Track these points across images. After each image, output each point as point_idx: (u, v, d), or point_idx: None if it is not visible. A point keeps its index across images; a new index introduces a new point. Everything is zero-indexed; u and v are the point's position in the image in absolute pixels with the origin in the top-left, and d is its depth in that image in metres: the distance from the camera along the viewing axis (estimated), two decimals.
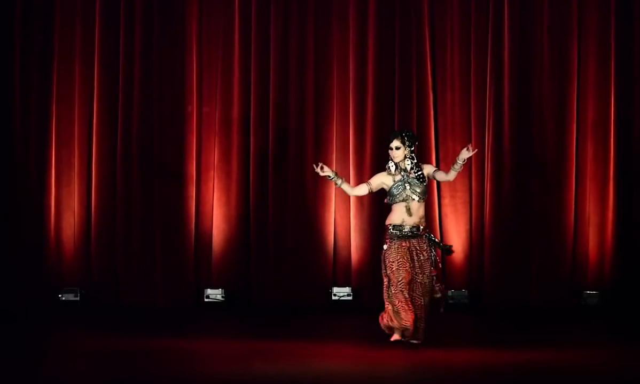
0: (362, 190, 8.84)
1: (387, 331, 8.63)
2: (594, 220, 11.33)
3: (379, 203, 11.27)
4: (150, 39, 11.50)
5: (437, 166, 11.42)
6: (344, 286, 11.41)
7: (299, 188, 11.46)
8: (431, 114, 11.44)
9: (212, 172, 11.57)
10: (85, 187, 11.58)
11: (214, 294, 11.44)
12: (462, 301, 11.34)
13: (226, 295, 11.43)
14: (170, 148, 11.50)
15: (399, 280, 8.52)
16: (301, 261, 11.39)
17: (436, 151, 11.47)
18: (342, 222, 11.46)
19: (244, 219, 11.50)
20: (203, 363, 7.96)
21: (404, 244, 8.60)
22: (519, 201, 11.32)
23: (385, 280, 8.62)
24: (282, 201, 11.45)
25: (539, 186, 11.33)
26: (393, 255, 8.57)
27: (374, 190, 8.80)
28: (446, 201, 11.46)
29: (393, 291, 8.53)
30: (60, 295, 11.43)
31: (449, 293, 8.81)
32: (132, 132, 11.47)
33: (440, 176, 8.81)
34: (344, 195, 11.25)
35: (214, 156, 11.55)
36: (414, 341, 8.57)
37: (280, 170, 11.45)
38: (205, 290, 11.47)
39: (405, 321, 8.47)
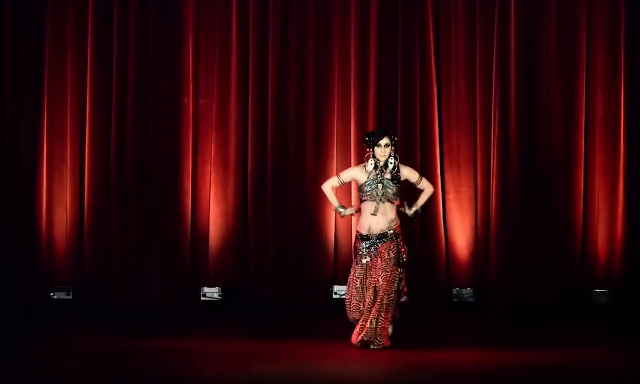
0: (333, 183, 8.99)
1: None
2: (603, 216, 11.37)
3: None
4: (145, 30, 11.52)
5: (441, 161, 11.49)
6: (345, 284, 11.45)
7: (298, 183, 11.50)
8: (435, 107, 11.48)
9: (209, 166, 11.62)
10: (77, 182, 11.61)
11: (211, 292, 11.51)
12: (466, 299, 11.41)
13: (223, 293, 11.49)
14: (166, 142, 11.54)
15: (350, 296, 8.82)
16: (301, 258, 11.43)
17: (440, 145, 11.51)
18: (342, 218, 11.49)
19: (241, 215, 11.55)
20: (201, 363, 8.04)
21: (363, 260, 8.77)
22: (525, 196, 11.36)
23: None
24: (281, 196, 11.49)
25: (546, 181, 11.37)
26: (354, 274, 8.82)
27: (344, 182, 9.00)
28: (450, 196, 11.52)
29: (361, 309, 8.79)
30: (52, 293, 11.48)
31: (405, 299, 8.92)
32: (127, 125, 11.52)
33: (422, 186, 9.01)
34: (345, 191, 11.30)
35: (211, 149, 11.61)
36: (374, 347, 8.69)
37: (279, 165, 11.49)
38: (202, 288, 11.53)
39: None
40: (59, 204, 11.59)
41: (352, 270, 8.86)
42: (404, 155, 11.27)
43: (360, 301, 8.73)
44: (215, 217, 11.58)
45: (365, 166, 8.80)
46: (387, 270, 8.66)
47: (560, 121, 11.40)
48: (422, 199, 8.94)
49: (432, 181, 11.41)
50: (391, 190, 8.75)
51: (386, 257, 8.69)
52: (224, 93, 11.58)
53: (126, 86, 11.53)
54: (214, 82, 11.59)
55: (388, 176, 8.76)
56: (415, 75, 11.47)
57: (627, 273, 11.33)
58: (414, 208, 8.85)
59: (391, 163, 8.78)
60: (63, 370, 7.88)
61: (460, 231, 11.51)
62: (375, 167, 8.75)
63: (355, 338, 8.67)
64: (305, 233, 11.45)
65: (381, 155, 8.75)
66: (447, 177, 11.53)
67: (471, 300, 11.43)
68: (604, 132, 11.39)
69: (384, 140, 8.75)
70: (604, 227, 11.36)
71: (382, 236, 8.74)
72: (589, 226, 11.39)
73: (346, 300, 8.86)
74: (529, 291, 11.30)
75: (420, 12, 11.48)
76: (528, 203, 11.37)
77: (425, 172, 11.40)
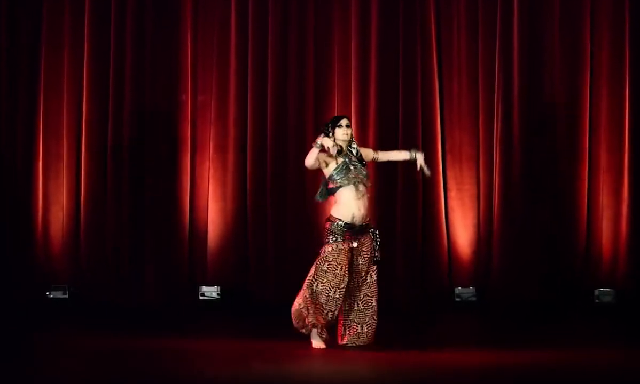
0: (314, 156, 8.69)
1: (297, 323, 8.67)
2: (607, 213, 11.39)
3: (383, 195, 11.41)
4: (142, 25, 11.54)
5: (443, 158, 11.50)
6: None
7: (298, 181, 11.51)
8: (437, 104, 11.50)
9: (208, 163, 11.63)
10: (74, 180, 11.62)
11: (210, 291, 11.52)
12: (469, 299, 11.43)
13: (222, 292, 11.51)
14: (164, 139, 11.56)
15: (341, 286, 8.57)
16: (301, 258, 11.41)
17: (442, 142, 11.53)
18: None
19: (241, 213, 11.57)
20: (200, 363, 8.06)
21: (347, 246, 8.59)
22: (528, 194, 11.38)
23: (313, 274, 8.62)
24: (281, 195, 11.51)
25: (550, 178, 11.39)
26: (340, 256, 8.57)
27: (317, 166, 8.69)
28: (453, 194, 11.53)
29: (331, 296, 8.53)
30: (48, 293, 11.50)
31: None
32: (124, 122, 11.53)
33: (387, 155, 8.87)
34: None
35: (209, 147, 11.62)
36: (361, 344, 8.69)
37: (279, 163, 11.51)
38: (200, 287, 11.55)
39: (315, 321, 8.57)
40: (55, 202, 11.60)
41: (325, 262, 8.61)
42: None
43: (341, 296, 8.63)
44: (214, 215, 11.59)
45: (328, 152, 8.64)
46: (370, 279, 8.67)
47: (564, 117, 11.42)
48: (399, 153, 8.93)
49: (434, 178, 11.46)
50: (364, 172, 8.68)
51: (368, 257, 8.68)
52: (223, 89, 11.59)
53: (123, 82, 11.54)
54: (212, 78, 11.61)
55: (354, 158, 8.69)
56: (416, 72, 11.48)
57: (632, 271, 11.34)
58: (417, 155, 8.78)
59: (354, 148, 8.72)
60: (60, 371, 7.90)
61: (462, 229, 11.52)
62: (339, 152, 8.62)
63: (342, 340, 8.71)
64: (305, 233, 11.45)
65: (344, 135, 8.66)
66: (449, 174, 11.55)
67: (473, 299, 11.44)
68: (608, 127, 11.42)
69: (344, 121, 8.71)
70: (609, 225, 11.39)
71: (364, 227, 8.67)
72: (593, 223, 11.42)
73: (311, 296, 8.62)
74: (532, 290, 11.32)
75: (422, 7, 11.50)
76: (531, 201, 11.39)
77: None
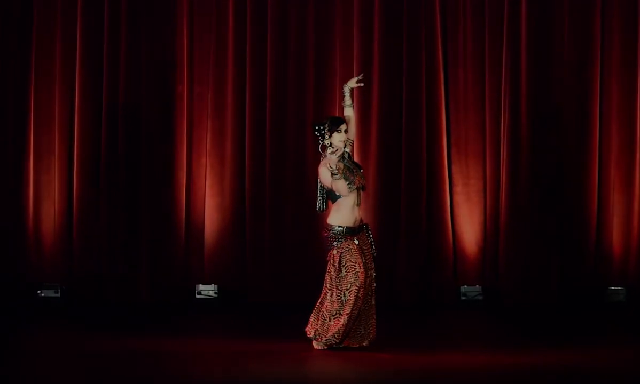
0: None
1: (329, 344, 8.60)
2: (618, 209, 11.39)
3: (386, 191, 11.38)
4: (137, 13, 11.53)
5: (449, 152, 11.47)
6: None
7: (298, 175, 11.49)
8: (442, 95, 11.48)
9: (205, 158, 11.61)
10: (66, 174, 11.61)
11: (206, 290, 11.52)
12: (475, 298, 11.41)
13: (220, 291, 11.49)
14: (159, 132, 11.53)
15: (365, 283, 8.48)
16: (301, 255, 11.42)
17: (447, 136, 11.51)
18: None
19: (239, 209, 11.55)
20: (195, 364, 8.06)
21: (353, 243, 8.54)
22: (537, 189, 11.37)
23: (333, 290, 8.54)
24: (279, 189, 11.50)
25: (559, 173, 11.36)
26: (354, 255, 8.50)
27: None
28: (458, 189, 11.50)
29: (360, 296, 8.46)
30: (39, 291, 11.48)
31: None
32: (118, 114, 11.51)
33: (352, 127, 8.73)
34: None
35: (206, 140, 11.60)
36: (365, 344, 8.65)
37: (278, 156, 11.49)
38: (196, 285, 11.53)
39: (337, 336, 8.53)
40: (47, 197, 11.58)
41: (341, 266, 8.55)
42: (408, 147, 11.33)
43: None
44: (211, 211, 11.57)
45: (328, 163, 8.57)
46: (370, 278, 8.61)
47: (573, 110, 11.41)
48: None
49: (439, 173, 11.49)
50: (361, 171, 8.64)
51: (369, 253, 8.63)
52: (221, 80, 11.58)
53: (117, 73, 11.52)
54: (209, 69, 11.58)
55: (350, 162, 8.64)
56: (421, 63, 11.48)
57: None
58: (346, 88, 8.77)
59: (347, 152, 8.65)
60: (53, 371, 7.91)
61: (468, 225, 11.51)
62: (339, 156, 8.57)
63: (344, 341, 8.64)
64: (304, 229, 11.43)
65: (340, 141, 8.60)
66: (454, 169, 11.52)
67: (480, 298, 11.43)
68: (619, 121, 11.44)
69: (344, 126, 8.63)
70: (620, 221, 11.40)
71: (360, 227, 8.66)
72: (604, 220, 11.42)
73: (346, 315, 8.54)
74: (540, 288, 11.33)
75: None
76: (539, 196, 11.40)
77: (432, 164, 11.42)
